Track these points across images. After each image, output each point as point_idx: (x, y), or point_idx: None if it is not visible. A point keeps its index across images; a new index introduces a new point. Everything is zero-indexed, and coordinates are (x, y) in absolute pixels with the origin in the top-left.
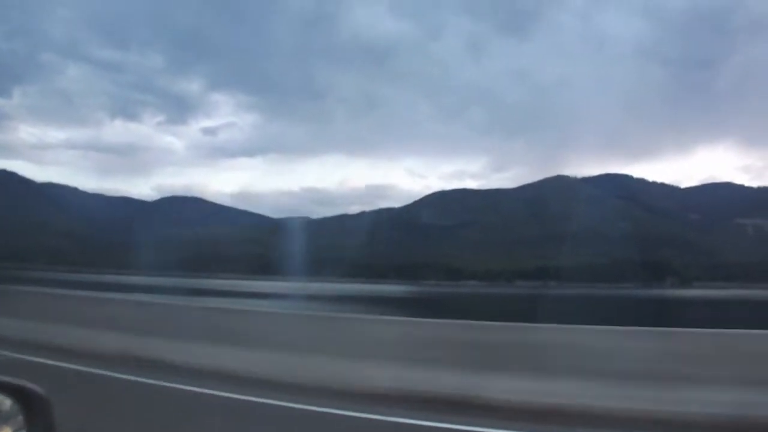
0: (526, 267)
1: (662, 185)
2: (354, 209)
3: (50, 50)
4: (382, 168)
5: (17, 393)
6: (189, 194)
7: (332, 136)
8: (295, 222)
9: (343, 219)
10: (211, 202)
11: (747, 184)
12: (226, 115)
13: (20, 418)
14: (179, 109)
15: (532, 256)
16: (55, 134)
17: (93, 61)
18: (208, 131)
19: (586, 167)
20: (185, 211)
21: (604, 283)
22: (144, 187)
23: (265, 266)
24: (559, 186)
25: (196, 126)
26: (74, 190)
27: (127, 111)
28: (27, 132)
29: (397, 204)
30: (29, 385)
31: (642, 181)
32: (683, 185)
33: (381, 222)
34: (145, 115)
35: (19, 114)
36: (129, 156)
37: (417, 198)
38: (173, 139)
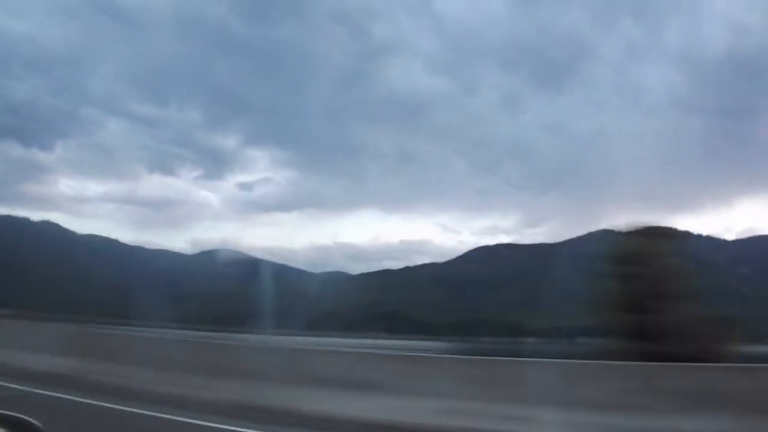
0: (585, 323)
1: (708, 238)
2: (387, 264)
3: (91, 105)
4: (416, 223)
5: (15, 427)
6: (224, 247)
7: (367, 192)
8: (336, 277)
9: (385, 275)
10: (251, 256)
11: None
12: (263, 170)
13: None
14: (216, 164)
15: (587, 311)
16: (94, 187)
17: (132, 116)
18: (244, 186)
19: (624, 220)
20: (228, 264)
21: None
22: (178, 241)
23: (317, 322)
24: (604, 240)
25: (232, 180)
26: (115, 242)
27: (164, 165)
28: (66, 185)
29: (431, 259)
30: (27, 419)
31: (687, 234)
32: (727, 238)
33: (424, 277)
34: (182, 170)
35: (59, 167)
36: (165, 210)
37: (453, 253)
38: (209, 194)
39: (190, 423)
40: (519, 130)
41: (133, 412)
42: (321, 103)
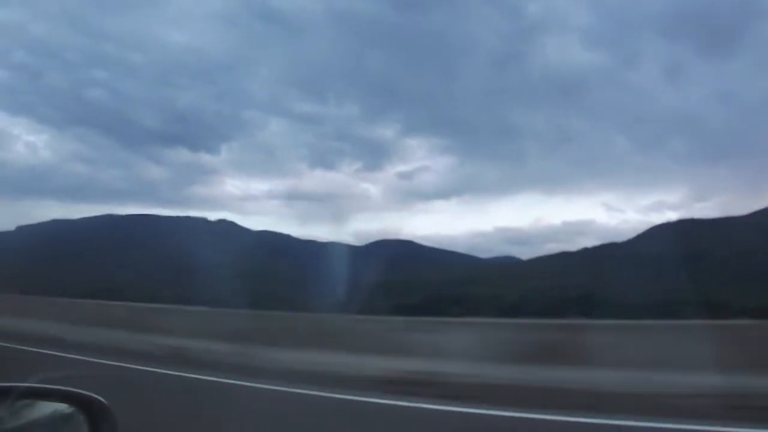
0: None
1: None
2: (550, 247)
3: (253, 108)
4: (578, 204)
5: (83, 404)
6: (387, 237)
7: (526, 174)
8: (507, 262)
9: (562, 257)
10: (421, 244)
11: None
12: (421, 158)
13: (86, 428)
14: (375, 156)
15: None
16: (258, 186)
17: (292, 115)
18: (404, 176)
19: None
20: (398, 253)
21: None
22: (341, 233)
23: (507, 310)
24: None
25: (391, 171)
26: (287, 237)
27: (325, 161)
28: (232, 185)
29: (596, 239)
30: (94, 396)
31: None
32: None
33: (606, 258)
34: (342, 164)
35: (225, 169)
36: (327, 203)
37: (618, 231)
38: (369, 186)
39: None
40: (683, 101)
41: None
42: (476, 87)
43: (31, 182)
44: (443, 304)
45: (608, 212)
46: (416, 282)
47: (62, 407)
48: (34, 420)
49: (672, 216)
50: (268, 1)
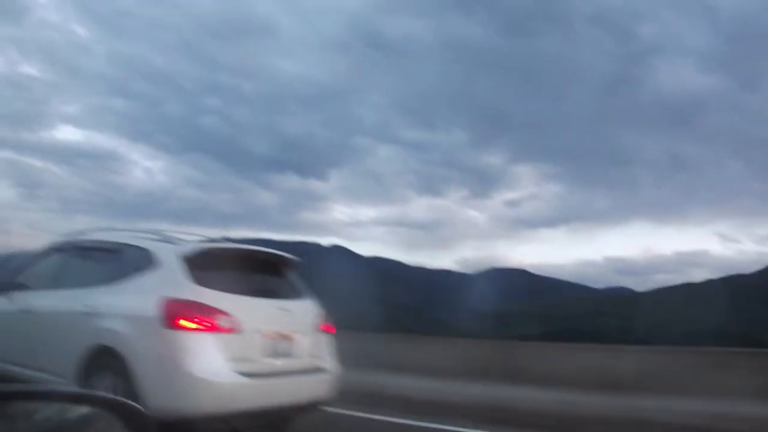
0: None
1: None
2: (661, 279)
3: (362, 134)
4: (690, 234)
5: (120, 411)
6: (495, 265)
7: (635, 203)
8: (622, 293)
9: (684, 289)
10: (535, 273)
11: None
12: (528, 186)
13: None
14: (482, 183)
15: None
16: (366, 212)
17: (401, 141)
18: (511, 203)
19: None
20: (511, 282)
21: None
22: (446, 260)
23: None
24: None
25: (498, 199)
26: (398, 264)
27: (432, 187)
28: (340, 211)
29: (709, 272)
30: (132, 404)
31: None
32: None
33: (732, 290)
34: (449, 191)
35: (333, 195)
36: (433, 230)
37: (735, 263)
38: (475, 213)
39: None
40: None
41: None
42: (585, 112)
43: (148, 206)
44: (570, 334)
45: (723, 242)
46: (536, 311)
47: (99, 412)
48: (74, 423)
49: None
50: (379, 29)
